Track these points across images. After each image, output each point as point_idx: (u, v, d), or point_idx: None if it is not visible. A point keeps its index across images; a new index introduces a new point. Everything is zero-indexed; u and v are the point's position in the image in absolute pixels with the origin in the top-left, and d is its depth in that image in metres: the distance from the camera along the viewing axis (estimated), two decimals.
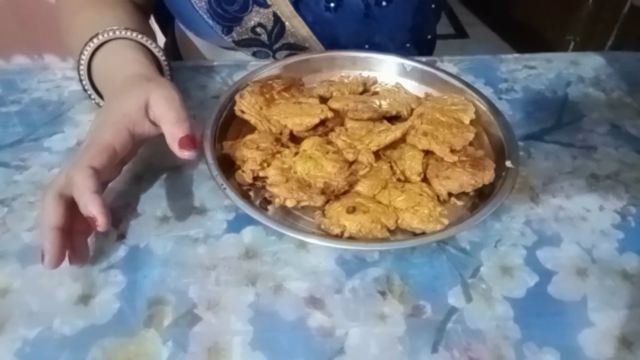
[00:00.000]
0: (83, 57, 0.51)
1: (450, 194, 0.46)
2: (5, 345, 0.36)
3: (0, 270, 0.41)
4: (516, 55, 0.68)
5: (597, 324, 0.39)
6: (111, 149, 0.42)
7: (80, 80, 0.52)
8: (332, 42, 0.65)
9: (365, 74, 0.58)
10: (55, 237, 0.38)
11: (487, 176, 0.46)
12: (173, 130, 0.43)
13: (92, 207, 0.38)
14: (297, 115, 0.50)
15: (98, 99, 0.53)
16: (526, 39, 1.79)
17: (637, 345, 0.37)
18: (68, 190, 0.40)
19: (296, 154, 0.48)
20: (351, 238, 0.42)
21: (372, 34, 0.66)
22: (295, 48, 0.66)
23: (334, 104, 0.52)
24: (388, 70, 0.59)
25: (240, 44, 0.65)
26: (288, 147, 0.49)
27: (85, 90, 0.53)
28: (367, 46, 0.66)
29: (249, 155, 0.46)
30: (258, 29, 0.63)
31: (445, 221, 0.43)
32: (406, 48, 0.70)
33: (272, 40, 0.65)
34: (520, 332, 0.38)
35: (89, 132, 0.45)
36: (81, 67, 0.51)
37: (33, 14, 1.34)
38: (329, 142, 0.49)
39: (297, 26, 0.63)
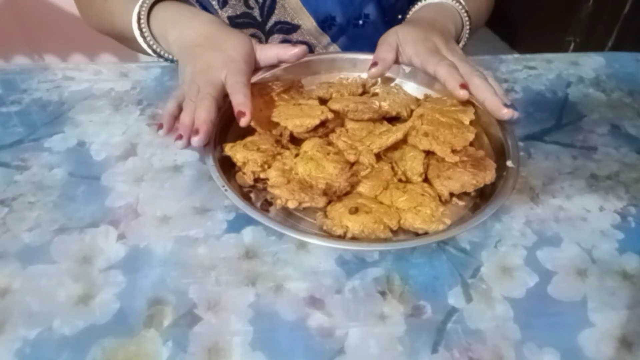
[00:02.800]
0: (143, 8, 0.55)
1: (451, 194, 0.46)
2: (5, 345, 0.36)
3: (0, 270, 0.41)
4: (516, 55, 0.68)
5: (597, 324, 0.39)
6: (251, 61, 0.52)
7: (141, 31, 0.55)
8: (323, 15, 0.65)
9: (364, 75, 0.58)
10: (169, 114, 0.47)
11: (489, 176, 0.46)
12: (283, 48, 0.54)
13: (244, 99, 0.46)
14: (298, 117, 0.50)
15: (156, 45, 0.56)
16: (526, 39, 1.79)
17: (637, 346, 0.37)
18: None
19: (297, 155, 0.48)
20: (354, 239, 0.42)
21: (365, 3, 0.65)
22: (287, 26, 0.66)
23: (334, 105, 0.52)
24: (387, 72, 0.59)
25: (236, 24, 0.66)
26: (288, 148, 0.49)
27: (145, 38, 0.56)
28: (360, 22, 0.66)
29: (250, 157, 0.46)
30: (250, 2, 0.64)
31: (448, 221, 0.42)
32: (399, 20, 0.69)
33: (264, 17, 0.65)
34: (520, 333, 0.38)
35: (191, 70, 0.50)
36: (142, 15, 0.55)
37: (33, 14, 1.35)
38: (330, 143, 0.49)
39: None
